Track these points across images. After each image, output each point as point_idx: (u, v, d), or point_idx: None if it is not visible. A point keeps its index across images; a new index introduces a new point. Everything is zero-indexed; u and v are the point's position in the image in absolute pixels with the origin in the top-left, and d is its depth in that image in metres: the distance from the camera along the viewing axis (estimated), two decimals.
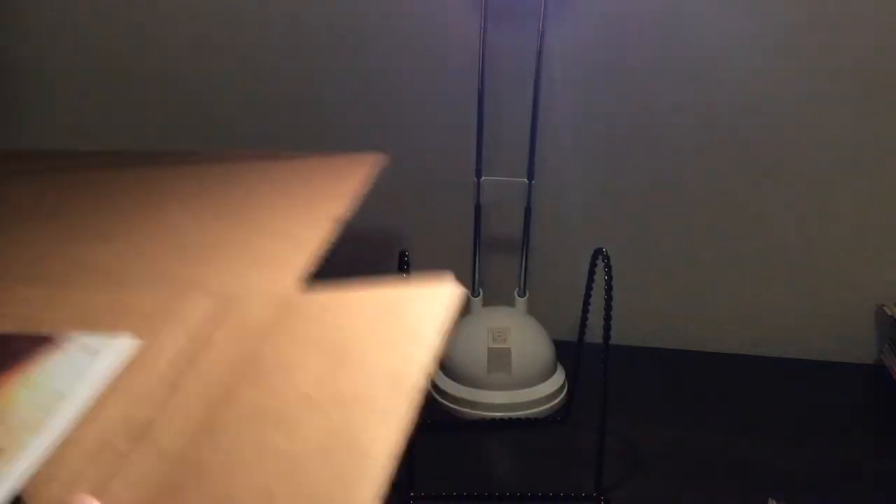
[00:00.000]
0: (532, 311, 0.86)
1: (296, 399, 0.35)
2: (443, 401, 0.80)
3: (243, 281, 0.46)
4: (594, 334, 0.67)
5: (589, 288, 0.70)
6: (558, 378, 0.81)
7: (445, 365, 0.81)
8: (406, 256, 0.63)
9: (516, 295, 0.85)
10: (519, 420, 0.77)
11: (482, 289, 0.86)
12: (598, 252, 0.66)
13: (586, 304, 0.70)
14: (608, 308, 0.62)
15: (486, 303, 0.86)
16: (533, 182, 0.83)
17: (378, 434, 0.33)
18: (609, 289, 0.63)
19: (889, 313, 0.87)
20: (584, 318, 0.72)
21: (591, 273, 0.69)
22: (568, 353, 0.79)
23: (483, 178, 0.83)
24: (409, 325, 0.38)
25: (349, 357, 0.37)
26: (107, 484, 0.32)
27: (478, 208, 0.85)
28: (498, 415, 0.77)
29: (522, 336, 0.80)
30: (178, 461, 0.33)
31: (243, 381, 0.37)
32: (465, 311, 0.86)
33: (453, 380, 0.80)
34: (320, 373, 0.36)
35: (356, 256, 0.72)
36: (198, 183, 0.65)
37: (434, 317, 0.38)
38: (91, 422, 0.36)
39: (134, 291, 0.46)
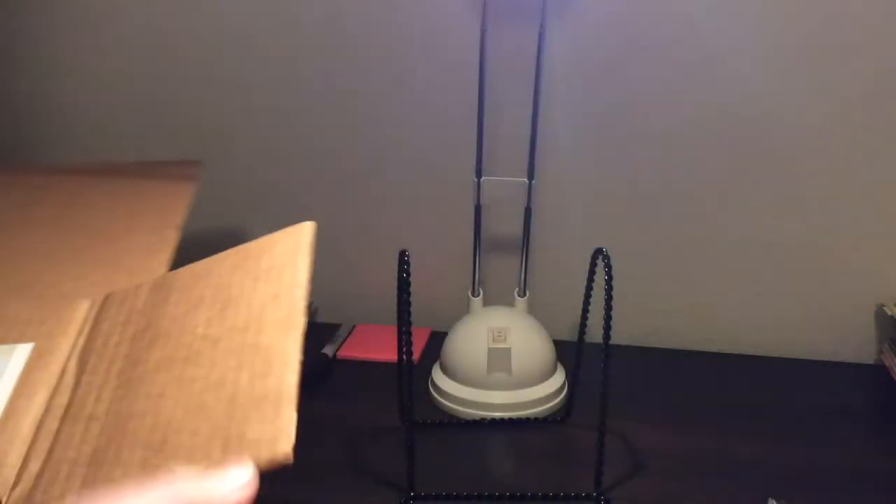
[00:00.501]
0: (532, 311, 0.86)
1: (197, 341, 0.38)
2: (443, 401, 0.80)
3: (111, 281, 0.48)
4: (594, 334, 0.67)
5: (589, 288, 0.70)
6: (558, 378, 0.81)
7: (445, 365, 0.81)
8: (406, 256, 0.63)
9: (516, 295, 0.85)
10: (519, 420, 0.77)
11: (482, 289, 0.86)
12: (598, 252, 0.66)
13: (586, 304, 0.70)
14: (608, 308, 0.62)
15: (486, 303, 0.86)
16: (533, 182, 0.83)
17: (278, 335, 0.36)
18: (609, 289, 0.63)
19: (889, 313, 0.87)
20: (584, 318, 0.71)
21: (591, 273, 0.69)
22: (568, 353, 0.79)
23: (483, 178, 0.83)
24: (278, 260, 0.40)
25: (232, 299, 0.39)
26: (51, 455, 0.35)
27: (478, 208, 0.85)
28: (498, 415, 0.77)
29: (522, 336, 0.80)
30: (109, 417, 0.36)
31: (144, 346, 0.39)
32: (466, 311, 0.86)
33: (453, 380, 0.80)
34: (211, 317, 0.39)
35: None
36: (31, 194, 0.65)
37: (297, 248, 0.40)
38: (16, 416, 0.38)
39: (7, 303, 0.48)
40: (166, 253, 0.53)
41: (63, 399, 0.38)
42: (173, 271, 0.45)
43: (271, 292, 0.38)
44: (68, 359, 0.41)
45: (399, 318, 0.64)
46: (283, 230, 0.42)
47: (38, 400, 0.39)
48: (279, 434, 0.30)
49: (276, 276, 0.39)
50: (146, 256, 0.53)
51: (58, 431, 0.36)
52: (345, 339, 0.94)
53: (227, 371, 0.35)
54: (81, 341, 0.42)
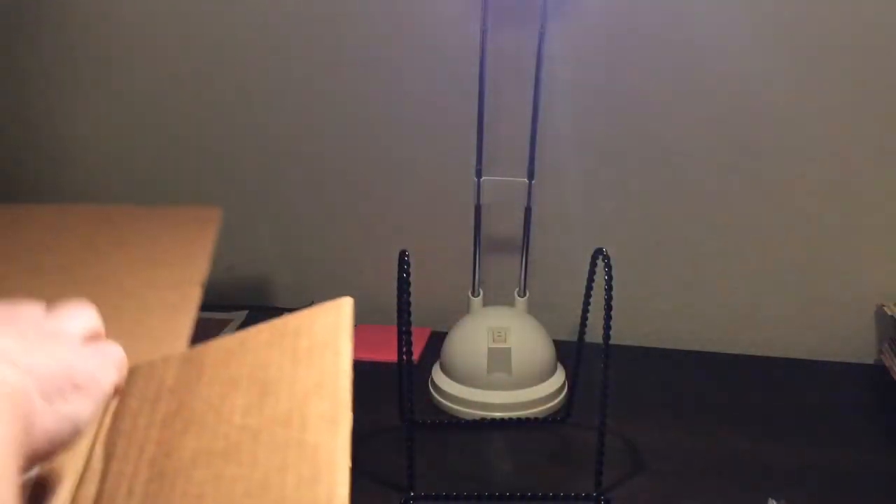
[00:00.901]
0: (532, 311, 0.86)
1: (235, 431, 0.35)
2: (443, 401, 0.80)
3: (134, 346, 0.44)
4: (594, 334, 0.67)
5: (589, 288, 0.70)
6: (558, 378, 0.81)
7: (445, 365, 0.81)
8: (406, 256, 0.63)
9: (516, 295, 0.85)
10: (519, 420, 0.77)
11: (482, 289, 0.86)
12: (598, 252, 0.66)
13: (586, 304, 0.70)
14: (608, 308, 0.62)
15: (486, 303, 0.86)
16: (533, 182, 0.83)
17: (325, 433, 0.33)
18: (609, 289, 0.63)
19: (889, 313, 0.87)
20: (584, 318, 0.71)
21: (591, 273, 0.69)
22: (568, 353, 0.79)
23: (483, 178, 0.83)
24: (317, 339, 0.38)
25: (270, 383, 0.36)
26: None
27: (478, 208, 0.85)
28: (498, 415, 0.77)
29: (522, 336, 0.80)
30: None
31: (176, 432, 0.36)
32: (466, 311, 0.86)
33: (453, 380, 0.80)
34: (249, 404, 0.36)
35: None
36: (38, 240, 0.61)
37: (336, 327, 0.38)
38: None
39: None
40: (190, 313, 0.49)
41: (90, 489, 0.36)
42: (204, 344, 0.42)
43: (314, 379, 0.36)
44: (94, 439, 0.38)
45: (399, 318, 0.64)
46: (321, 305, 0.40)
47: (64, 491, 0.36)
48: None
49: (317, 359, 0.37)
50: (169, 317, 0.49)
51: None
52: None
53: (270, 471, 0.32)
54: (107, 419, 0.39)
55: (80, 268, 0.56)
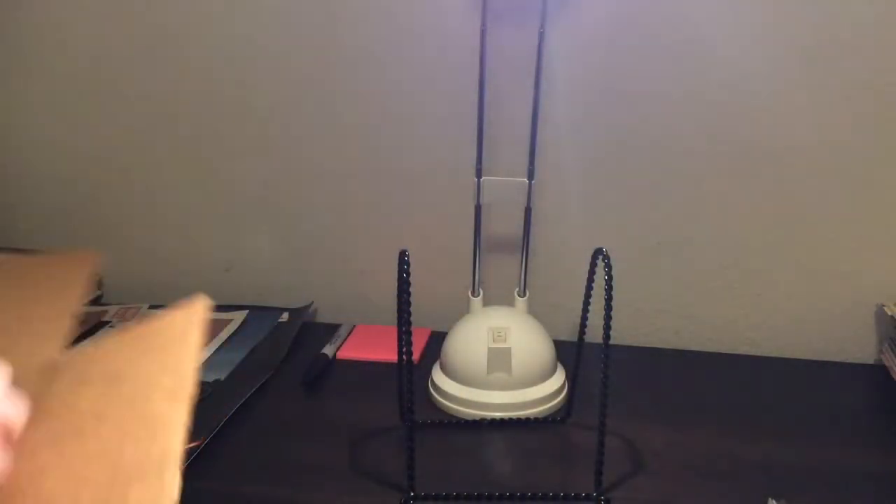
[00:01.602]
0: (532, 311, 0.86)
1: (80, 416, 0.37)
2: (443, 401, 0.80)
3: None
4: (594, 334, 0.67)
5: (589, 288, 0.70)
6: (558, 378, 0.81)
7: (445, 365, 0.81)
8: (406, 256, 0.63)
9: (516, 295, 0.85)
10: (519, 420, 0.77)
11: (482, 289, 0.86)
12: (598, 252, 0.66)
13: (586, 304, 0.70)
14: (608, 308, 0.62)
15: (486, 303, 0.86)
16: (533, 182, 0.83)
17: (165, 405, 0.36)
18: (609, 289, 0.63)
19: (889, 313, 0.87)
20: (584, 318, 0.71)
21: (591, 273, 0.69)
22: (568, 353, 0.79)
23: (483, 178, 0.83)
24: (167, 335, 0.40)
25: (119, 374, 0.39)
26: None
27: (478, 208, 0.85)
28: (498, 415, 0.77)
29: (522, 336, 0.80)
30: None
31: (25, 427, 0.38)
32: (466, 311, 0.86)
33: (453, 380, 0.80)
34: (98, 393, 0.38)
35: None
36: None
37: (187, 322, 0.40)
38: None
39: None
40: (59, 340, 0.52)
41: None
42: (62, 356, 0.44)
43: (160, 364, 0.38)
44: None
45: (399, 318, 0.64)
46: (175, 308, 0.42)
47: None
48: (161, 495, 0.31)
49: (167, 349, 0.39)
50: (36, 344, 0.51)
51: None
52: (345, 340, 0.94)
53: (111, 442, 0.35)
54: None
55: None
